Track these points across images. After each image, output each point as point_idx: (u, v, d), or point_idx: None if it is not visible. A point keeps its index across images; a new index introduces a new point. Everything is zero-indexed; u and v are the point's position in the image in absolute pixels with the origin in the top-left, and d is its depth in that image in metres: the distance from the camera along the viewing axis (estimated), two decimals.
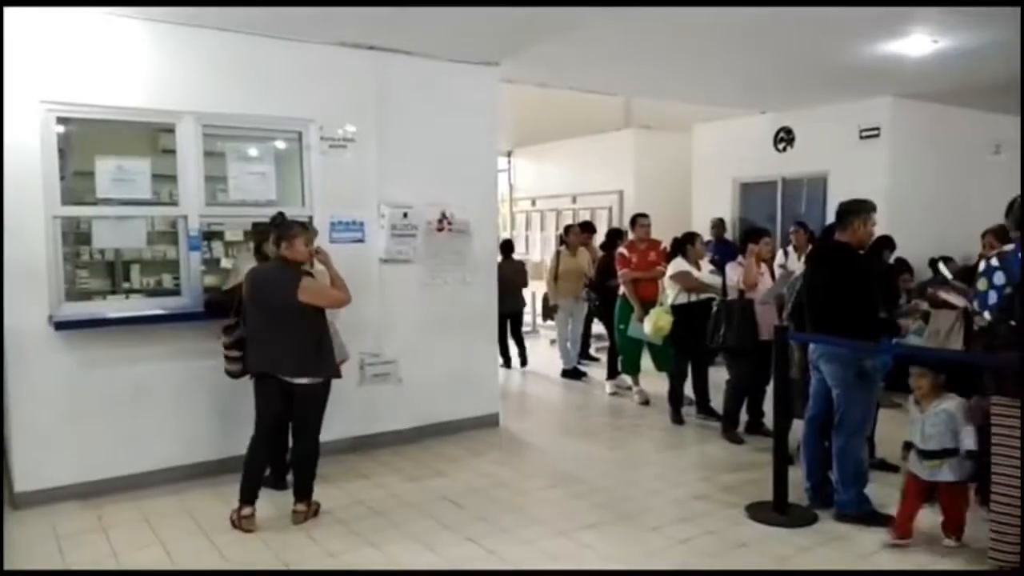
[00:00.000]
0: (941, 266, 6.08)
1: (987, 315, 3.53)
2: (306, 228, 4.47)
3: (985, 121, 9.04)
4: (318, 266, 4.56)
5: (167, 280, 5.96)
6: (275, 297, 4.25)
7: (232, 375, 4.64)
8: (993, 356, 3.62)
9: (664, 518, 4.47)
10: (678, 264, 6.48)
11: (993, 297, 3.52)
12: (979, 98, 8.16)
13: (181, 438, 5.10)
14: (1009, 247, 3.53)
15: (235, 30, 5.09)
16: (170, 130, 5.10)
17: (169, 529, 4.35)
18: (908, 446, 4.09)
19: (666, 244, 7.00)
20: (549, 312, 8.72)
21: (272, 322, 4.27)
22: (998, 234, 4.39)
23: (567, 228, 8.97)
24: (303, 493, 4.43)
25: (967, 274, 5.01)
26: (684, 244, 6.55)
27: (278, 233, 4.35)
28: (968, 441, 3.78)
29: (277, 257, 4.36)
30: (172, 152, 5.12)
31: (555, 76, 7.09)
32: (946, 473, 3.88)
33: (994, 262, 3.54)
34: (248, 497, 4.33)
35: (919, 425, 3.97)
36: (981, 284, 3.58)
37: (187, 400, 5.10)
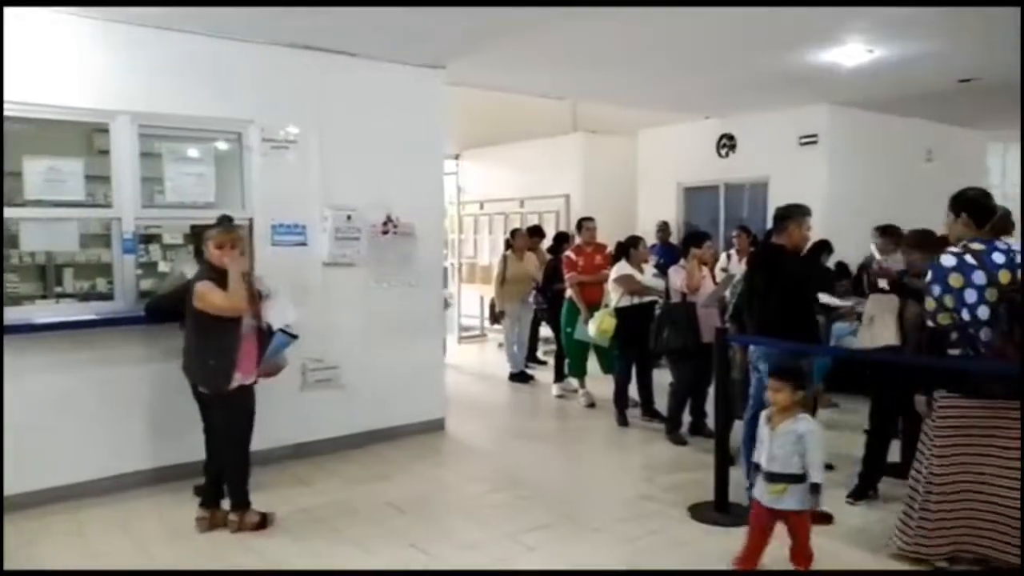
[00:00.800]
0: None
1: (964, 314, 3.41)
2: (226, 231, 4.26)
3: (918, 129, 9.37)
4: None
5: (101, 284, 5.78)
6: (189, 302, 4.19)
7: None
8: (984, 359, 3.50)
9: (608, 519, 4.50)
10: (621, 267, 6.55)
11: (973, 296, 3.41)
12: (913, 106, 8.44)
13: (115, 447, 4.94)
14: (979, 245, 3.46)
15: (174, 28, 4.98)
16: (104, 130, 4.95)
17: (102, 542, 4.21)
18: (756, 467, 3.65)
19: (612, 248, 7.08)
20: (496, 316, 8.73)
21: (187, 327, 4.25)
22: (913, 239, 4.51)
23: (513, 232, 8.99)
24: (235, 503, 4.34)
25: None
26: (627, 248, 6.63)
27: (204, 236, 4.29)
28: (816, 475, 3.39)
29: (204, 260, 4.30)
30: (106, 152, 4.98)
31: (501, 79, 7.10)
32: (788, 501, 3.45)
33: (970, 259, 3.45)
34: (202, 500, 4.34)
35: (767, 444, 3.53)
36: (955, 280, 3.44)
37: (121, 408, 4.94)
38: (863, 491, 4.67)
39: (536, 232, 9.11)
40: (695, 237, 6.19)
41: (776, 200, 7.34)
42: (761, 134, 8.94)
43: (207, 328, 4.13)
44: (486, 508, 4.71)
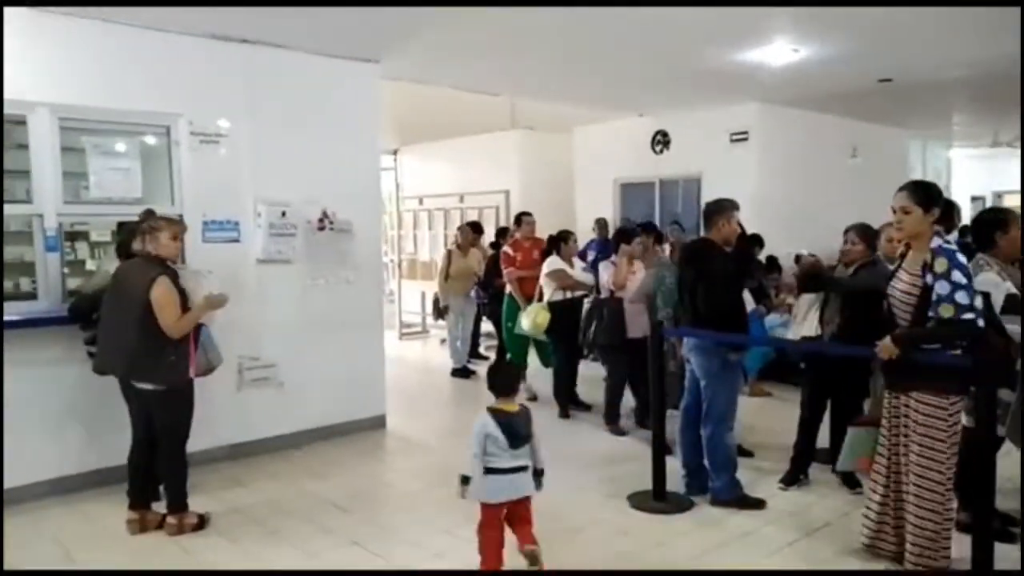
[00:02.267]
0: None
1: (942, 310, 3.31)
2: (172, 222, 4.27)
3: (844, 126, 9.70)
4: (210, 289, 4.33)
5: (24, 283, 5.54)
6: (128, 291, 4.04)
7: (96, 371, 4.38)
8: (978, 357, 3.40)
9: (548, 509, 4.49)
10: (553, 262, 6.62)
11: (945, 288, 3.31)
12: (838, 104, 8.73)
13: (39, 452, 4.75)
14: (936, 242, 3.40)
15: (97, 18, 4.81)
16: (22, 123, 4.75)
17: (23, 551, 4.04)
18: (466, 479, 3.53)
19: None
20: (440, 312, 8.69)
21: (121, 319, 4.06)
22: (860, 231, 4.65)
23: (459, 228, 8.96)
24: (171, 505, 4.24)
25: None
26: (558, 242, 6.69)
27: (141, 229, 4.16)
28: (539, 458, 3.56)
29: (142, 254, 4.15)
30: (25, 146, 4.78)
31: (436, 74, 7.07)
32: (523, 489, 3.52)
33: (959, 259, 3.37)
34: (132, 503, 4.23)
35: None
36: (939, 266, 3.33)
37: (46, 410, 4.76)
38: (795, 476, 4.82)
39: (476, 229, 9.11)
40: (624, 233, 6.28)
41: (709, 196, 7.50)
42: (694, 131, 9.12)
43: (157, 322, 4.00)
44: (427, 504, 4.69)
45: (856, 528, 3.97)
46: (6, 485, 4.60)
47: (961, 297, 3.28)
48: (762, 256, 7.67)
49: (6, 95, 4.58)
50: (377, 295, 6.55)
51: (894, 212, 3.50)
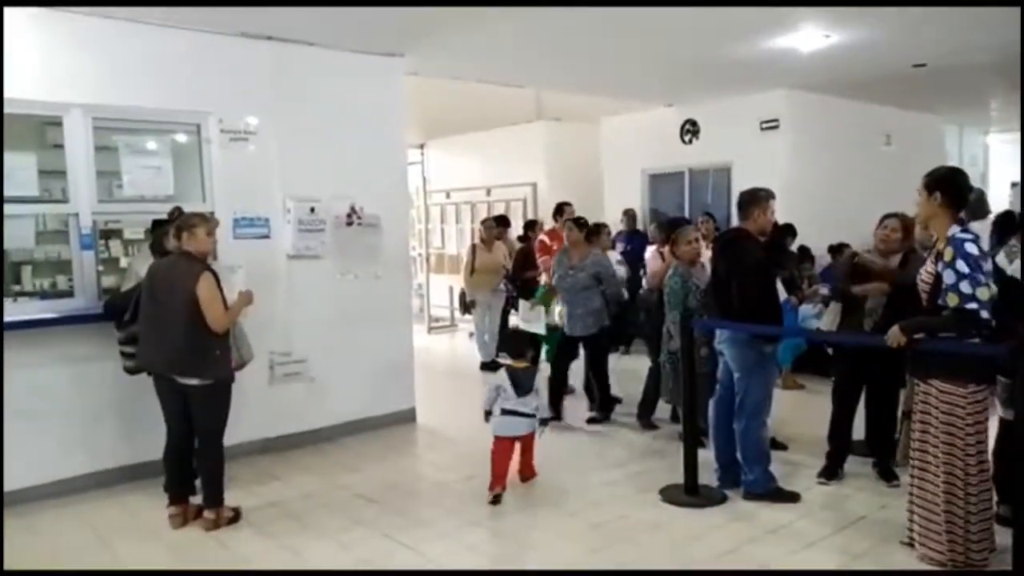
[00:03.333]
0: None
1: (948, 299, 3.29)
2: (206, 219, 4.33)
3: (877, 113, 9.52)
4: (236, 285, 4.42)
5: (61, 281, 5.65)
6: (173, 289, 4.08)
7: (128, 371, 4.48)
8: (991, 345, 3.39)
9: (581, 504, 4.53)
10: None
11: (951, 278, 3.30)
12: (870, 91, 8.57)
13: (80, 446, 4.85)
14: (952, 230, 3.36)
15: (129, 19, 4.87)
16: (58, 123, 4.83)
17: (66, 542, 4.14)
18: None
19: None
20: (467, 306, 8.70)
21: (165, 317, 4.10)
22: (902, 219, 4.58)
23: (483, 223, 8.96)
24: (209, 499, 4.29)
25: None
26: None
27: (177, 226, 4.20)
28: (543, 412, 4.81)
29: (179, 251, 4.20)
30: (61, 146, 4.86)
31: (461, 68, 7.05)
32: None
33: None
34: (171, 498, 4.30)
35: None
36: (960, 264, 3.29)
37: (85, 406, 4.86)
38: (833, 470, 4.75)
39: (502, 222, 9.10)
40: (673, 225, 6.16)
41: (740, 185, 7.41)
42: (723, 120, 9.01)
43: (204, 318, 4.06)
44: (458, 497, 4.71)
45: (895, 521, 3.91)
46: (46, 479, 4.73)
47: (964, 287, 3.27)
48: (794, 246, 7.57)
49: (42, 96, 4.68)
50: (405, 289, 6.58)
51: None
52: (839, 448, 4.77)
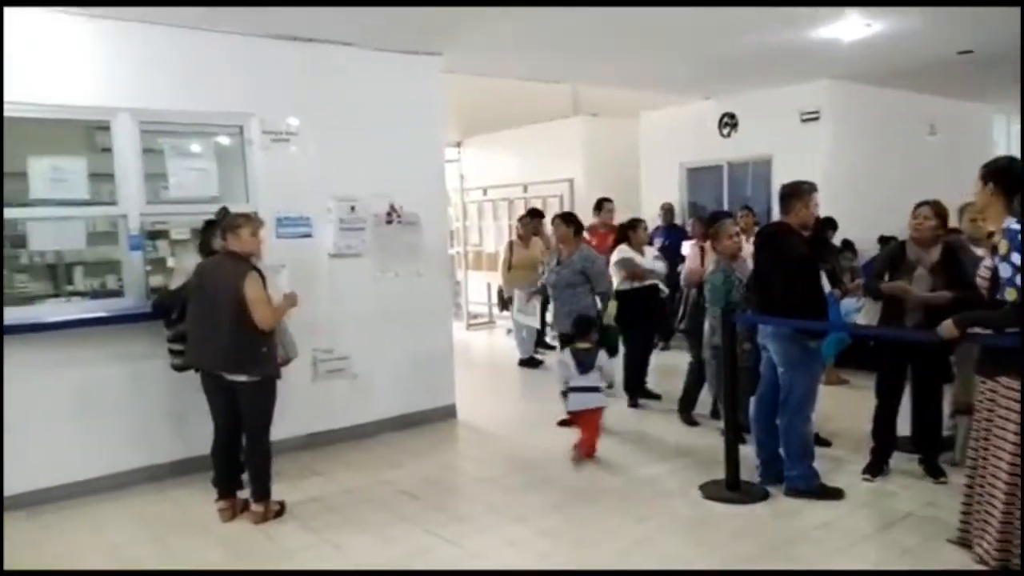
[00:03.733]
0: None
1: (1006, 293, 3.21)
2: (251, 219, 4.42)
3: (921, 103, 9.32)
4: (280, 284, 4.54)
5: (111, 281, 5.80)
6: (220, 288, 4.17)
7: (176, 368, 4.60)
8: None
9: (621, 500, 4.53)
10: (622, 251, 6.55)
11: (1007, 271, 3.22)
12: (914, 80, 8.39)
13: (131, 441, 4.99)
14: (1007, 222, 3.26)
15: (171, 24, 4.98)
16: (106, 128, 4.96)
17: (120, 534, 4.26)
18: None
19: None
20: (504, 302, 8.71)
21: (213, 315, 4.19)
22: (934, 206, 4.50)
23: (519, 219, 8.97)
24: (257, 493, 4.38)
25: None
26: (627, 231, 6.61)
27: (223, 226, 4.30)
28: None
29: (225, 251, 4.29)
30: (109, 150, 4.99)
31: (498, 65, 7.07)
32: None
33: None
34: (220, 492, 4.40)
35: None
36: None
37: (135, 402, 4.99)
38: (879, 466, 4.68)
39: (534, 214, 9.10)
40: (713, 218, 6.11)
41: (780, 178, 7.34)
42: (763, 112, 8.90)
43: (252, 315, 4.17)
44: (500, 493, 4.74)
45: (942, 519, 3.84)
46: (100, 473, 4.87)
47: (1020, 280, 3.16)
48: (836, 239, 7.45)
49: (91, 101, 4.80)
50: (445, 286, 6.63)
51: None
52: (884, 444, 4.70)
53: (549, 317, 8.49)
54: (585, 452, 5.20)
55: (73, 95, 4.74)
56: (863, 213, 8.22)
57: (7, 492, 4.49)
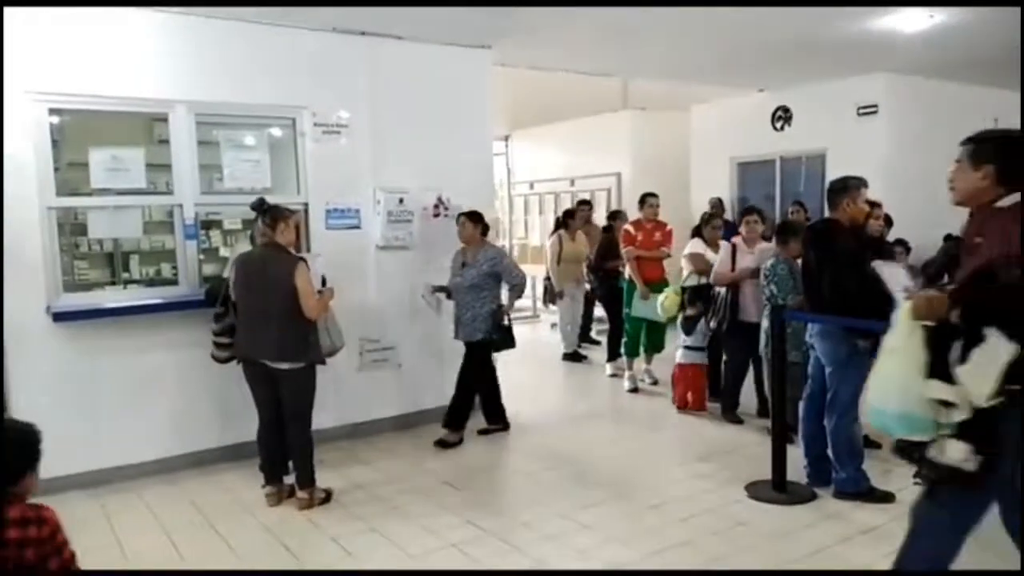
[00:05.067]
0: None
1: None
2: (293, 212, 4.55)
3: (982, 96, 8.98)
4: (318, 270, 4.63)
5: (166, 269, 5.97)
6: (270, 279, 4.26)
7: (219, 360, 4.68)
8: None
9: (664, 497, 4.49)
10: (693, 245, 6.47)
11: None
12: (976, 72, 8.11)
13: (181, 427, 5.12)
14: None
15: (227, 18, 5.07)
16: (164, 119, 5.09)
17: (171, 516, 4.38)
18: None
19: (672, 226, 7.08)
20: (554, 297, 8.65)
21: (263, 306, 4.28)
22: None
23: (571, 212, 8.85)
24: (302, 479, 4.47)
25: None
26: (700, 225, 6.49)
27: (272, 216, 4.38)
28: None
29: (268, 243, 4.37)
30: (167, 141, 5.12)
31: (548, 58, 7.05)
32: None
33: None
34: (266, 478, 4.50)
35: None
36: None
37: (186, 388, 5.12)
38: None
39: (582, 204, 9.05)
40: (747, 213, 6.07)
41: (834, 173, 7.15)
42: (818, 105, 8.70)
43: (299, 305, 4.26)
44: (540, 486, 4.75)
45: (996, 527, 3.71)
46: (153, 457, 5.01)
47: None
48: (890, 236, 7.25)
49: (149, 94, 4.93)
50: None
51: None
52: None
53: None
54: (698, 405, 6.16)
55: (133, 88, 4.87)
56: (922, 211, 7.96)
57: (67, 471, 4.65)
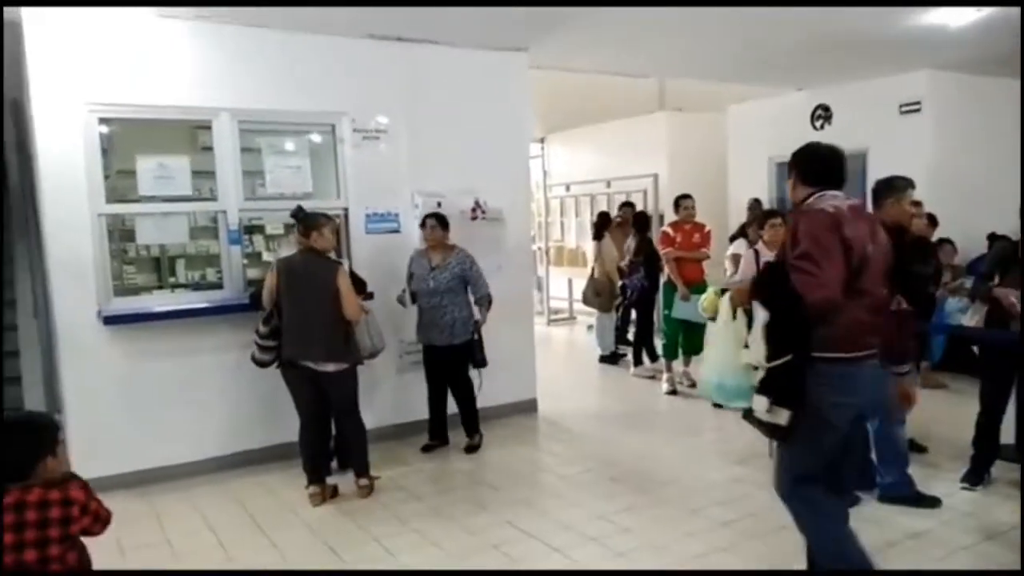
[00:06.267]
0: None
1: None
2: (330, 218, 4.66)
3: None
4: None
5: (211, 274, 6.11)
6: (314, 283, 4.38)
7: (261, 364, 4.68)
8: None
9: (704, 500, 4.46)
10: (738, 245, 6.42)
11: None
12: None
13: (226, 428, 5.23)
14: None
15: (267, 26, 5.17)
16: (207, 127, 5.21)
17: (218, 516, 4.48)
18: None
19: (711, 227, 7.05)
20: (609, 304, 8.56)
21: (307, 310, 4.39)
22: None
23: (615, 221, 8.73)
24: (360, 468, 4.68)
25: None
26: (745, 226, 6.41)
27: (305, 225, 4.49)
28: None
29: (306, 248, 4.49)
30: (210, 149, 5.23)
31: (584, 60, 7.04)
32: None
33: None
34: (310, 478, 4.61)
35: None
36: None
37: (231, 390, 5.22)
38: (979, 475, 4.46)
39: (628, 204, 8.99)
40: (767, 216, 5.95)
41: (875, 173, 7.05)
42: (858, 103, 8.56)
43: (340, 307, 4.41)
44: (580, 488, 4.75)
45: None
46: (200, 456, 5.13)
47: None
48: (934, 237, 7.11)
49: (194, 102, 5.05)
50: (527, 281, 6.69)
51: None
52: (986, 452, 4.47)
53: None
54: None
55: (179, 97, 4.99)
56: (967, 210, 7.80)
57: (118, 471, 4.79)
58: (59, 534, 2.30)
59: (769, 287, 2.94)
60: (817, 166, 3.20)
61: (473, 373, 5.50)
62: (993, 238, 7.33)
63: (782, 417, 2.79)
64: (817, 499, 3.01)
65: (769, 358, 2.80)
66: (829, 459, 2.99)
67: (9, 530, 2.24)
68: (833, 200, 2.97)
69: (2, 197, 6.21)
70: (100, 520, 2.45)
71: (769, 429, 2.87)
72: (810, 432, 2.81)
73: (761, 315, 2.88)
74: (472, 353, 5.43)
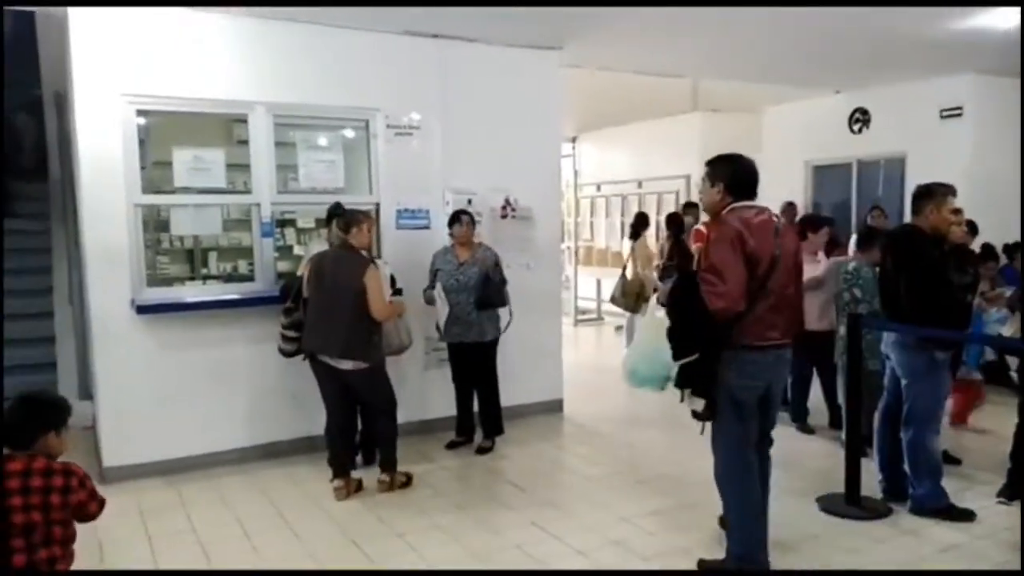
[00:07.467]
0: None
1: None
2: (368, 215, 4.69)
3: None
4: (383, 269, 4.72)
5: (242, 266, 6.16)
6: (342, 279, 4.37)
7: (285, 354, 4.78)
8: None
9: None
10: None
11: None
12: None
13: (255, 419, 5.28)
14: None
15: (305, 21, 5.20)
16: (243, 120, 5.25)
17: (244, 506, 4.52)
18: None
19: None
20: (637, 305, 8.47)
21: (332, 305, 4.40)
22: None
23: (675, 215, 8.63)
24: (385, 463, 4.68)
25: None
26: (806, 230, 5.79)
27: (346, 220, 4.49)
28: None
29: (341, 244, 4.48)
30: (245, 142, 5.28)
31: (618, 59, 6.99)
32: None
33: None
34: (335, 471, 4.62)
35: None
36: None
37: (261, 382, 5.27)
38: (1015, 490, 4.35)
39: (692, 205, 8.87)
40: (811, 222, 5.86)
41: (914, 178, 6.92)
42: (898, 107, 8.40)
43: (366, 307, 4.37)
44: (605, 490, 4.71)
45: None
46: (229, 447, 5.18)
47: None
48: (975, 244, 6.94)
49: (230, 96, 5.10)
50: (556, 281, 6.65)
51: None
52: (1022, 465, 4.36)
53: None
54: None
55: (215, 90, 5.04)
56: (1008, 218, 7.62)
57: (148, 459, 4.86)
58: (60, 501, 2.47)
59: (673, 297, 3.46)
60: (745, 178, 3.59)
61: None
62: (1008, 250, 7.17)
63: (699, 404, 3.44)
64: (745, 459, 3.61)
65: (675, 358, 3.39)
66: (748, 425, 3.52)
67: (16, 493, 2.41)
68: (745, 212, 3.39)
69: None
70: (96, 499, 2.60)
71: (693, 414, 3.51)
72: (728, 409, 3.42)
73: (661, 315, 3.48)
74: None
